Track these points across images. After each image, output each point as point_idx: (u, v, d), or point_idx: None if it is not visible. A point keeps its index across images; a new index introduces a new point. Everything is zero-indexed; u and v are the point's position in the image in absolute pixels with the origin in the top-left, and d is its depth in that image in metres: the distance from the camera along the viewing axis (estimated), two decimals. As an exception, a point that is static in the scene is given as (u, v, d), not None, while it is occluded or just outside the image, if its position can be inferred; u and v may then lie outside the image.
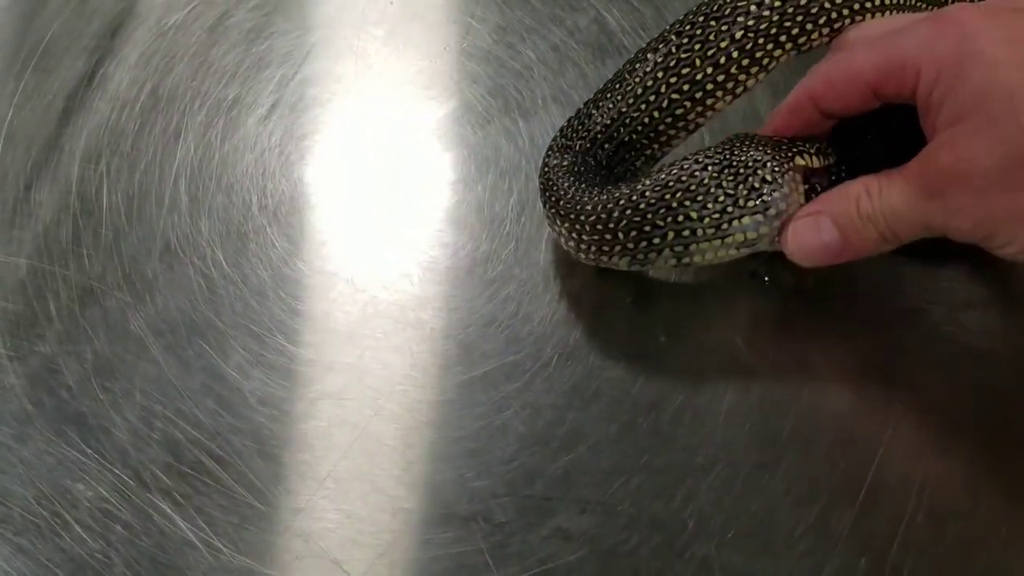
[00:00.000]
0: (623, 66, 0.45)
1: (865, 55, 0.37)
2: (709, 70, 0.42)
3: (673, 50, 0.43)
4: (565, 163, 0.44)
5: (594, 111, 0.45)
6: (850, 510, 0.39)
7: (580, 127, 0.45)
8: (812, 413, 0.41)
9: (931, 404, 0.42)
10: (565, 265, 0.46)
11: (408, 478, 0.40)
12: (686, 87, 0.42)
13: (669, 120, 0.43)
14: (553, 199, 0.43)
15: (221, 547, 0.39)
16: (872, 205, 0.37)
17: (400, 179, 0.50)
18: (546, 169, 0.44)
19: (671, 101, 0.43)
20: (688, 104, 0.43)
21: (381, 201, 0.49)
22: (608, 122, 0.44)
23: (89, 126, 0.52)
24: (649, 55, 0.43)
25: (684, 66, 0.42)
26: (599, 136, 0.44)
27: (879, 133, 0.41)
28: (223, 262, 0.47)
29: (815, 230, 0.38)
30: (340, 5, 0.58)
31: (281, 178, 0.50)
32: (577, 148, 0.44)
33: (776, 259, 0.45)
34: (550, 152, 0.45)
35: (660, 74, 0.43)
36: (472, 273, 0.46)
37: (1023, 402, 0.41)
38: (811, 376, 0.43)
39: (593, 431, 0.41)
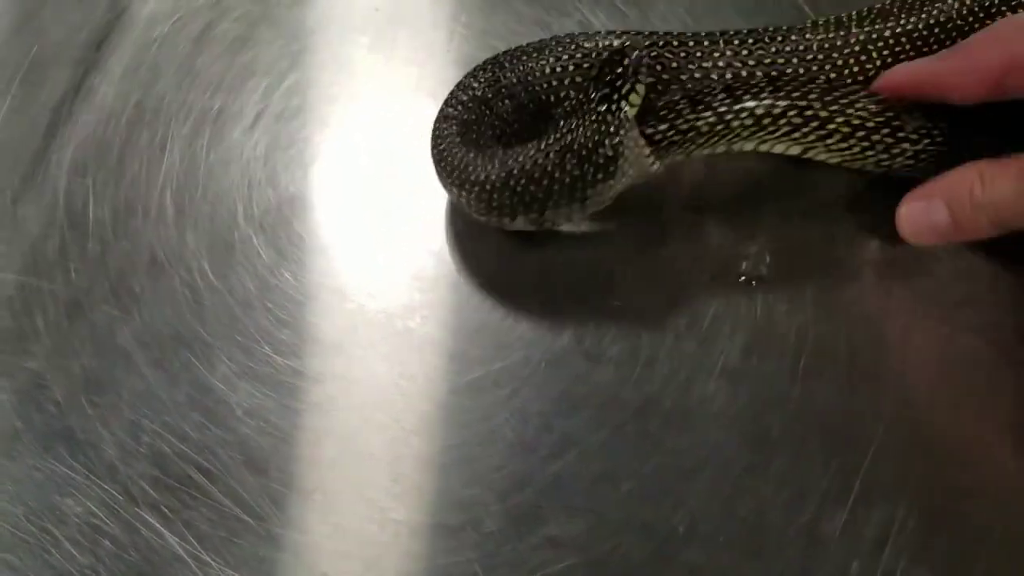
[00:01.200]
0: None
1: (996, 50, 0.38)
2: None
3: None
4: (455, 129, 0.46)
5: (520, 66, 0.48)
6: (841, 512, 0.38)
7: (492, 80, 0.47)
8: (802, 414, 0.41)
9: (923, 404, 0.42)
10: (553, 270, 0.46)
11: (397, 489, 0.40)
12: None
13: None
14: (451, 167, 0.45)
15: (210, 561, 0.38)
16: (984, 193, 0.38)
17: (387, 187, 0.50)
18: (439, 139, 0.46)
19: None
20: None
21: (368, 209, 0.49)
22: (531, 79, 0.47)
23: (76, 139, 0.52)
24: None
25: None
26: (514, 91, 0.47)
27: (996, 118, 0.41)
28: (209, 273, 0.46)
29: (927, 212, 0.40)
30: (324, 13, 0.58)
31: (267, 187, 0.50)
32: (479, 100, 0.46)
33: (762, 260, 0.45)
34: (445, 120, 0.47)
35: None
36: (459, 280, 0.46)
37: (1018, 402, 0.41)
38: (800, 376, 0.42)
39: (582, 437, 0.41)
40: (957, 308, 0.44)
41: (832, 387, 0.42)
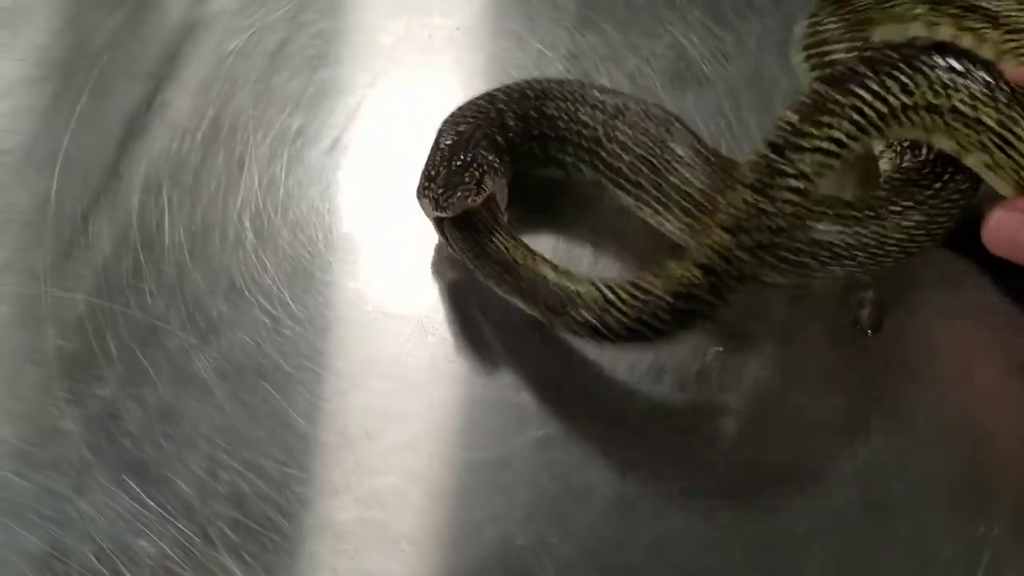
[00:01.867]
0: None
1: None
2: None
3: None
4: None
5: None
6: (970, 586, 0.36)
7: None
8: (924, 477, 0.38)
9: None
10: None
11: (486, 541, 0.38)
12: None
13: None
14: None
15: (290, 611, 0.36)
16: None
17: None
18: None
19: None
20: None
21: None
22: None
23: (149, 155, 0.50)
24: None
25: None
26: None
27: None
28: (289, 301, 0.44)
29: (1014, 230, 0.39)
30: (403, 33, 0.56)
31: (348, 214, 0.48)
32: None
33: (875, 311, 0.43)
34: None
35: None
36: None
37: None
38: (919, 436, 0.39)
39: (686, 495, 0.38)
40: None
41: (955, 449, 0.39)
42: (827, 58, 0.44)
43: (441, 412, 0.42)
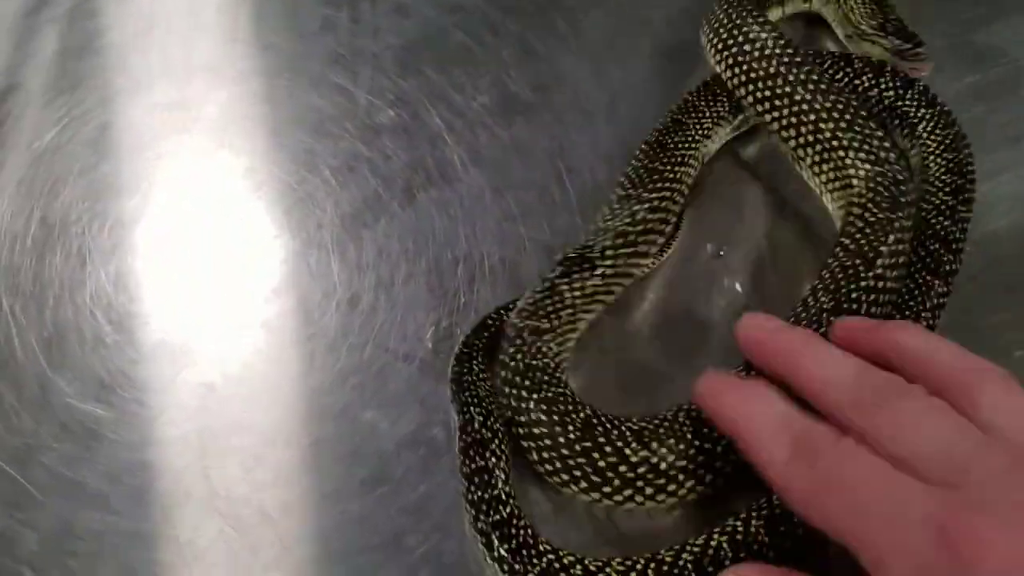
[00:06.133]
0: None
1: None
2: None
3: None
4: None
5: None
6: None
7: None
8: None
9: None
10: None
11: None
12: None
13: None
14: None
15: None
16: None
17: (330, 273, 0.48)
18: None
19: None
20: None
21: (321, 306, 0.47)
22: None
23: (-22, 268, 0.47)
24: None
25: None
26: None
27: None
28: (167, 390, 0.43)
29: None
30: (227, 102, 0.56)
31: (209, 290, 0.47)
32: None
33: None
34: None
35: None
36: (432, 360, 0.45)
37: None
38: None
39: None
40: None
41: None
42: (734, 38, 0.47)
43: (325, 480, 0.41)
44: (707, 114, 0.49)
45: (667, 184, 0.46)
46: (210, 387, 0.43)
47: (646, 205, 0.45)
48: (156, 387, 0.43)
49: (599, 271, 0.43)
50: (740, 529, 0.36)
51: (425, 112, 0.55)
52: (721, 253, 0.48)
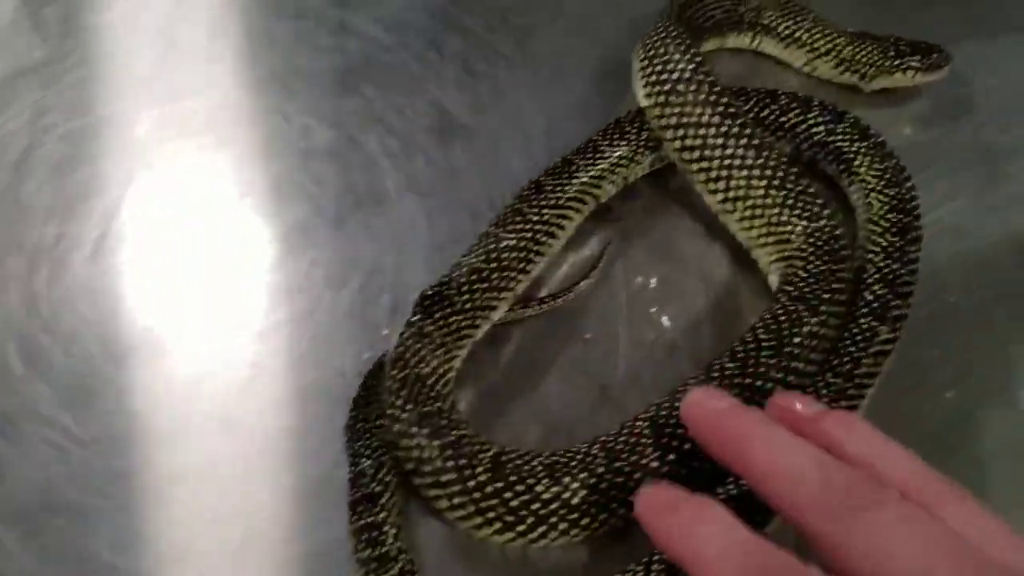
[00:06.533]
0: None
1: None
2: None
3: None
4: None
5: None
6: None
7: None
8: None
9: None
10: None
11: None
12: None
13: None
14: None
15: None
16: None
17: (254, 301, 0.47)
18: None
19: None
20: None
21: (240, 329, 0.46)
22: None
23: None
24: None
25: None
26: None
27: None
28: (72, 426, 0.42)
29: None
30: (157, 122, 0.55)
31: (125, 320, 0.46)
32: None
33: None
34: None
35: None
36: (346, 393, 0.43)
37: None
38: None
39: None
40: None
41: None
42: (667, 73, 0.46)
43: (258, 517, 0.40)
44: (605, 155, 0.48)
45: (529, 225, 0.45)
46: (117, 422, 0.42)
47: (502, 243, 0.44)
48: (64, 424, 0.42)
49: (456, 305, 0.42)
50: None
51: (361, 135, 0.54)
52: (653, 283, 0.47)
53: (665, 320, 0.46)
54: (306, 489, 0.40)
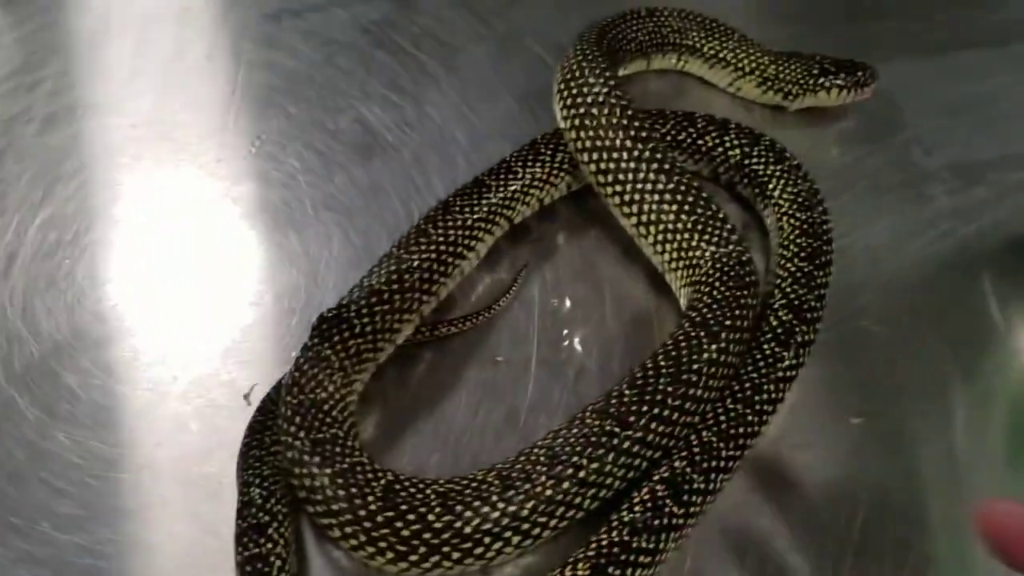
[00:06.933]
0: None
1: None
2: None
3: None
4: None
5: None
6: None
7: None
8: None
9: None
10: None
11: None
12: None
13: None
14: None
15: None
16: None
17: (162, 322, 0.46)
18: None
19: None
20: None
21: (144, 354, 0.45)
22: None
23: None
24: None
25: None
26: None
27: None
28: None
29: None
30: (78, 135, 0.54)
31: (28, 339, 0.45)
32: None
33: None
34: None
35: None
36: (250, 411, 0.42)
37: None
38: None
39: None
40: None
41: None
42: (582, 97, 0.46)
43: (149, 535, 0.39)
44: (519, 176, 0.47)
45: (435, 245, 0.44)
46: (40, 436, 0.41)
47: (404, 265, 0.43)
48: None
49: (356, 328, 0.41)
50: None
51: (281, 152, 0.53)
52: (568, 305, 0.47)
53: (576, 343, 0.45)
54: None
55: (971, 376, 0.44)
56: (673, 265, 0.45)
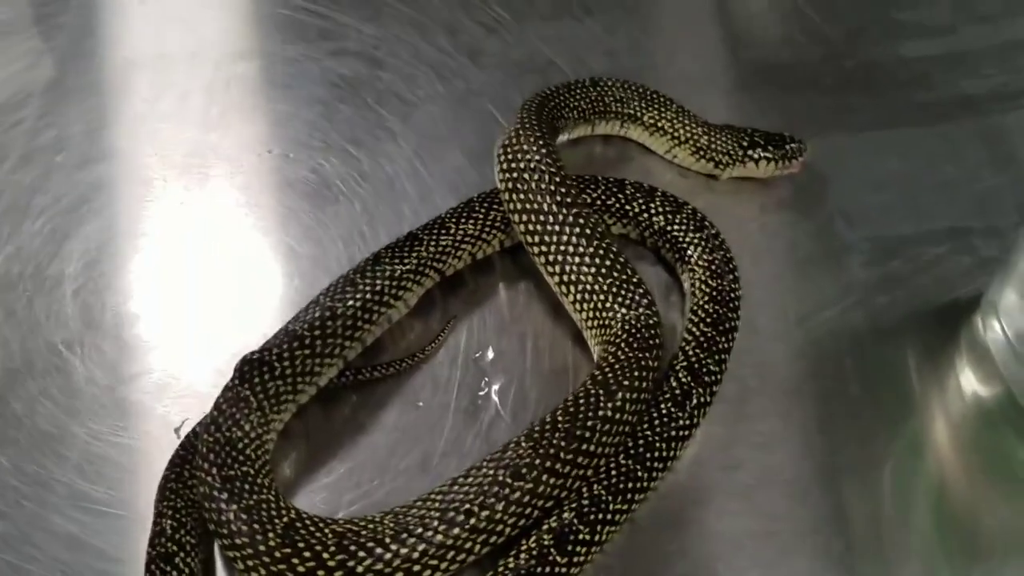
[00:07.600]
0: None
1: None
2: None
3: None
4: None
5: None
6: None
7: None
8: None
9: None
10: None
11: None
12: None
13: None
14: None
15: None
16: None
17: (110, 354, 0.49)
18: None
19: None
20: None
21: (89, 388, 0.48)
22: None
23: None
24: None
25: None
26: None
27: None
28: None
29: None
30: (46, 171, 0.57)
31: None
32: None
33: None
34: None
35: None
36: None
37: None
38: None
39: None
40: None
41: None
42: (517, 162, 0.49)
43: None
44: (450, 231, 0.50)
45: (361, 294, 0.47)
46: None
47: (327, 312, 0.46)
48: None
49: (276, 371, 0.43)
50: None
51: (242, 196, 0.57)
52: (491, 355, 0.49)
53: (494, 392, 0.48)
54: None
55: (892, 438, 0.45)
56: (589, 324, 0.47)
